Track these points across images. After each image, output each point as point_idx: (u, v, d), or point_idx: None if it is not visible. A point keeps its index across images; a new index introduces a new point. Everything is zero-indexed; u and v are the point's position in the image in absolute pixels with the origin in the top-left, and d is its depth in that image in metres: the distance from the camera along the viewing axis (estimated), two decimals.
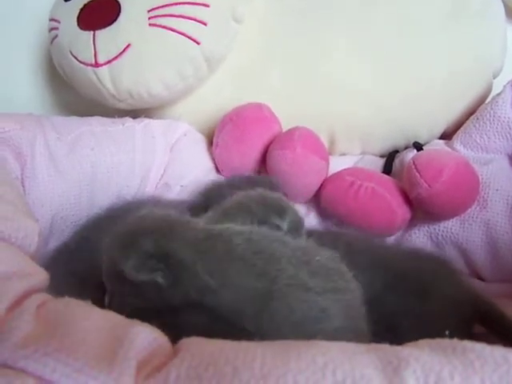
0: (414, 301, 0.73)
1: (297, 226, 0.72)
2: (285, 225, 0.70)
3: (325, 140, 1.12)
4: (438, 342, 0.45)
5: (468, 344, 0.43)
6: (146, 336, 0.45)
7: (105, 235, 0.85)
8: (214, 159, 1.12)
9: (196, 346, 0.45)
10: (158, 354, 0.45)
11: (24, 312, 0.47)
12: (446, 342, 0.45)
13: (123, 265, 0.59)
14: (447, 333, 0.56)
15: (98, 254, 0.83)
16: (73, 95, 1.24)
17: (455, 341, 0.45)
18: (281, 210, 0.71)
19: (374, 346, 0.45)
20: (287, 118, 1.09)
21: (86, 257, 0.85)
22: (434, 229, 1.00)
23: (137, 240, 0.61)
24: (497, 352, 0.41)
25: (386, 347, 0.45)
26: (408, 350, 0.43)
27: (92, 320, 0.47)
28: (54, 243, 0.94)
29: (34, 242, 0.65)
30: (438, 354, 0.43)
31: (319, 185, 1.03)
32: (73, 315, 0.48)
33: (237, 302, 0.57)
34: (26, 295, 0.51)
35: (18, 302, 0.49)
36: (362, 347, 0.45)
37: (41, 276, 0.57)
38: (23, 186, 0.90)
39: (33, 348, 0.42)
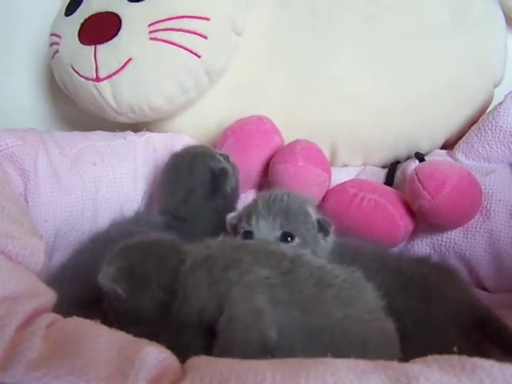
0: (418, 302, 0.75)
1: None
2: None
3: (326, 151, 1.12)
4: (446, 358, 0.45)
5: (477, 361, 0.43)
6: (155, 356, 0.46)
7: (99, 260, 0.86)
8: None
9: (205, 366, 0.45)
10: (167, 373, 0.45)
11: (34, 333, 0.47)
12: (454, 358, 0.45)
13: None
14: (455, 349, 0.55)
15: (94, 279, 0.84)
16: (74, 109, 1.24)
17: (464, 358, 0.45)
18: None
19: (382, 363, 0.45)
20: (289, 130, 1.10)
21: (84, 283, 0.85)
22: (437, 239, 1.00)
23: None
24: (506, 370, 0.41)
25: (394, 364, 0.45)
26: (417, 368, 0.43)
27: (102, 340, 0.47)
28: (57, 258, 0.94)
29: (41, 260, 0.65)
30: (448, 371, 0.43)
31: (322, 197, 1.03)
32: (82, 335, 0.48)
33: None
34: (35, 315, 0.51)
35: (27, 322, 0.49)
36: (370, 365, 0.45)
37: (48, 295, 0.57)
38: (26, 202, 0.90)
39: (44, 370, 0.42)
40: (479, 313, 0.77)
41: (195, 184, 0.93)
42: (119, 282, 0.66)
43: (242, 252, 0.65)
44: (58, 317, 0.52)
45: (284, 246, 0.71)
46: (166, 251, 0.69)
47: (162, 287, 0.65)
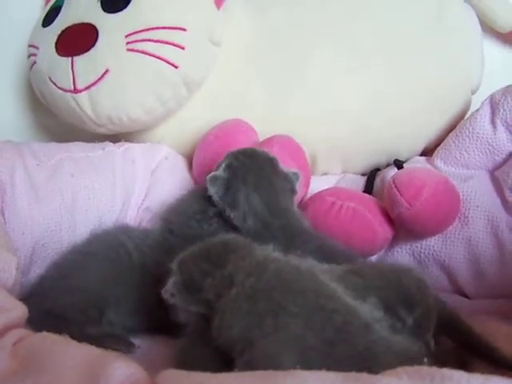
0: None
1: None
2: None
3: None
4: (416, 369, 0.45)
5: (446, 372, 0.43)
6: (123, 371, 0.45)
7: (80, 272, 0.86)
8: (195, 181, 1.11)
9: (172, 381, 0.44)
10: None
11: (1, 350, 0.47)
12: (424, 369, 0.45)
13: None
14: (425, 360, 0.55)
15: (75, 290, 0.84)
16: (54, 121, 1.23)
17: (434, 369, 0.44)
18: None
19: (353, 375, 0.45)
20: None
21: (62, 294, 0.85)
22: (417, 247, 1.00)
23: None
24: (474, 380, 0.41)
25: (364, 376, 0.45)
26: (386, 380, 0.43)
27: (69, 356, 0.47)
28: (36, 271, 0.93)
29: (12, 275, 0.64)
30: (416, 382, 0.42)
31: (299, 199, 1.03)
32: (49, 351, 0.47)
33: None
34: (4, 331, 0.50)
35: None
36: (340, 377, 0.44)
37: (19, 310, 0.56)
38: (3, 215, 0.89)
39: None
40: (443, 315, 0.77)
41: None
42: (176, 297, 0.66)
43: (291, 296, 0.59)
44: (28, 332, 0.52)
45: (341, 298, 0.62)
46: (215, 261, 0.66)
47: (204, 303, 0.64)
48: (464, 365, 0.69)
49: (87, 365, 0.46)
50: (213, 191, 0.86)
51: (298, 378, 0.43)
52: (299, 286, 0.61)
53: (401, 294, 0.67)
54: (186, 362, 0.64)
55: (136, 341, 0.84)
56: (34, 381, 0.42)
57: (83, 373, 0.45)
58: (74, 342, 0.51)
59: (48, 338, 0.50)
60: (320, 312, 0.58)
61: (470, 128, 0.99)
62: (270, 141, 1.04)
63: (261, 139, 1.10)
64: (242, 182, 0.86)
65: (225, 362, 0.57)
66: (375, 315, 0.62)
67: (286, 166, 0.97)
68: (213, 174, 0.86)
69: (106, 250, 0.90)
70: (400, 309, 0.65)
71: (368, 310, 0.62)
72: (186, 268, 0.67)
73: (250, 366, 0.53)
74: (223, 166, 0.87)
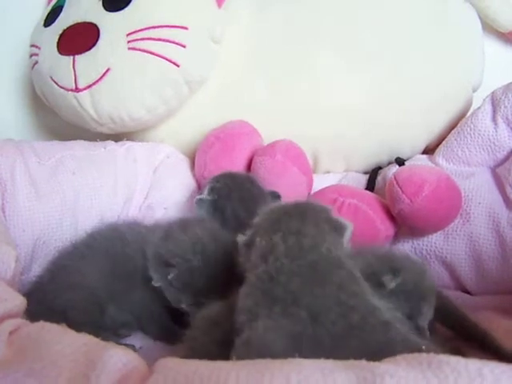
0: None
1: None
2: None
3: (308, 159, 1.12)
4: (415, 356, 0.45)
5: (444, 358, 0.43)
6: (119, 358, 0.45)
7: (79, 267, 0.85)
8: (197, 180, 1.11)
9: (170, 368, 0.44)
10: (132, 376, 0.44)
11: None
12: (422, 356, 0.44)
13: None
14: (424, 347, 0.55)
15: (74, 287, 0.83)
16: (56, 120, 1.23)
17: (432, 355, 0.44)
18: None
19: (351, 362, 0.45)
20: (270, 140, 1.08)
21: (61, 291, 0.84)
22: (419, 244, 1.00)
23: None
24: (472, 365, 0.41)
25: (363, 363, 0.44)
26: (384, 366, 0.43)
27: (65, 344, 0.47)
28: (37, 269, 0.93)
29: (11, 267, 0.64)
30: (415, 368, 0.42)
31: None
32: (46, 339, 0.47)
33: None
34: (0, 320, 0.50)
35: None
36: (339, 364, 0.44)
37: (16, 301, 0.56)
38: (3, 212, 0.90)
39: (2, 374, 0.41)
40: (436, 301, 0.77)
41: None
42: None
43: (310, 287, 0.58)
44: (25, 322, 0.52)
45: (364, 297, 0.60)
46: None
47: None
48: (459, 353, 0.70)
49: (84, 352, 0.46)
50: (201, 213, 0.91)
51: (295, 365, 0.43)
52: (324, 278, 0.59)
53: (386, 261, 0.70)
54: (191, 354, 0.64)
55: (137, 342, 0.84)
56: (28, 368, 0.42)
57: (80, 360, 0.45)
58: (70, 331, 0.51)
59: (45, 327, 0.50)
60: (336, 307, 0.56)
61: (472, 125, 0.99)
62: (271, 148, 1.03)
63: (263, 137, 1.10)
64: (228, 200, 0.91)
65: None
66: (397, 315, 0.61)
67: (289, 172, 1.00)
68: (198, 197, 0.91)
69: (105, 244, 0.89)
70: (383, 273, 0.67)
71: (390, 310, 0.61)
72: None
73: (246, 346, 0.53)
74: (207, 189, 0.92)
